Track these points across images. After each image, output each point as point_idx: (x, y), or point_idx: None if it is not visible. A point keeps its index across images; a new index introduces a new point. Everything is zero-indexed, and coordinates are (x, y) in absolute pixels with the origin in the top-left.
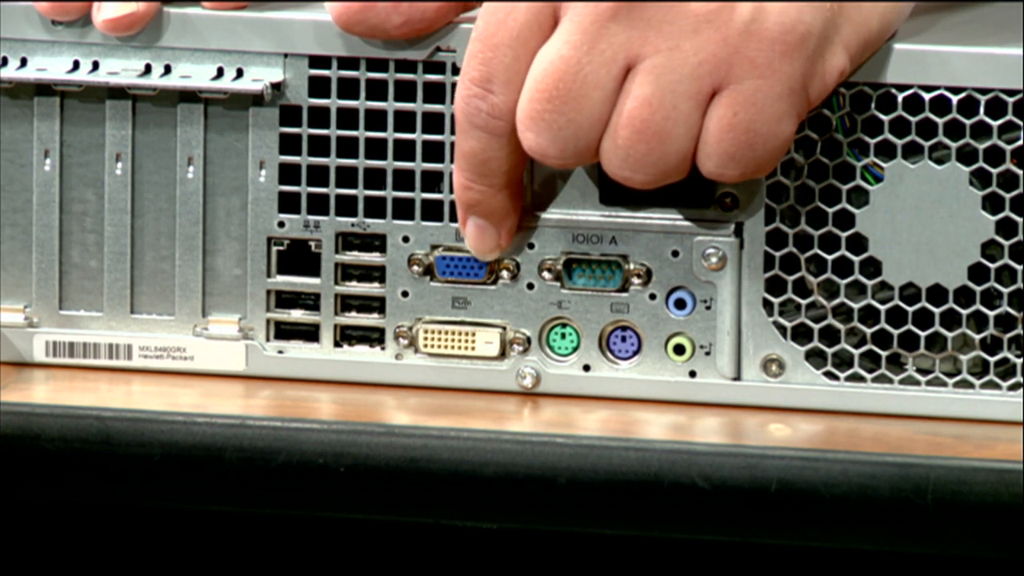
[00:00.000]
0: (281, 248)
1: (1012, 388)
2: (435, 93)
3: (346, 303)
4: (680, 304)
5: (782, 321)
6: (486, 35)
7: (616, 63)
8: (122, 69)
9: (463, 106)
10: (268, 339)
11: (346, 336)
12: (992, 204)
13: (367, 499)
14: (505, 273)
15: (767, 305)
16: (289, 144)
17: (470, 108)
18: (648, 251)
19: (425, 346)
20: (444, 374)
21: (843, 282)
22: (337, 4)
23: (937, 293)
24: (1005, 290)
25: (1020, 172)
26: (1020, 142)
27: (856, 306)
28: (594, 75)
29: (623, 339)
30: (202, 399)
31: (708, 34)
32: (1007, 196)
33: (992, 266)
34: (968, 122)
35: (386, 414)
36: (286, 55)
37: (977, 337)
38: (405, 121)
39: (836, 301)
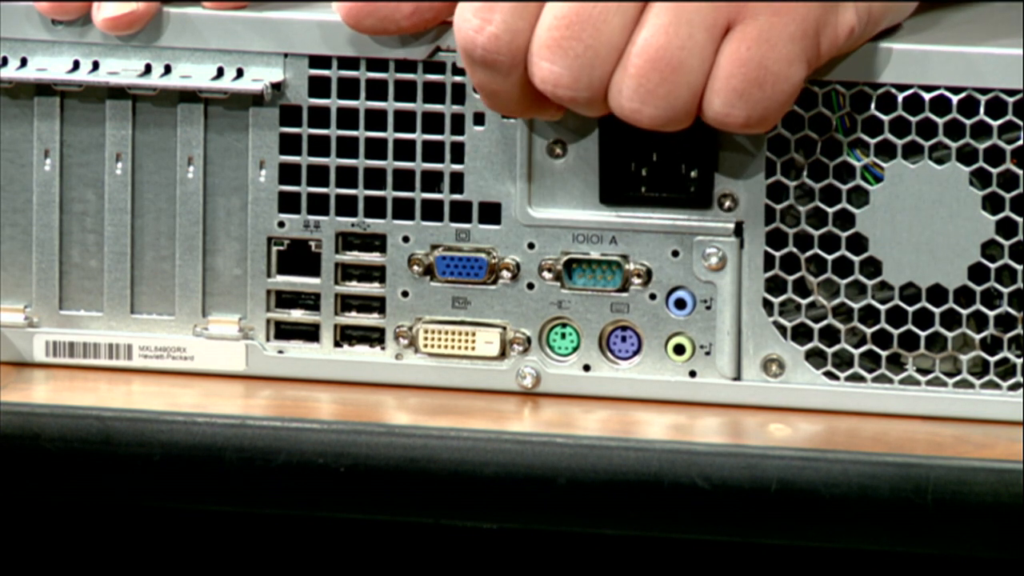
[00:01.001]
0: (281, 248)
1: (1012, 388)
2: (435, 93)
3: (346, 303)
4: (680, 304)
5: (782, 321)
6: None
7: None
8: (122, 69)
9: (460, 38)
10: (268, 339)
11: (346, 336)
12: (992, 204)
13: (367, 499)
14: (505, 273)
15: (767, 305)
16: (289, 144)
17: (466, 41)
18: (648, 251)
19: (425, 346)
20: (444, 374)
21: (843, 282)
22: (345, 2)
23: (937, 293)
24: (1005, 290)
25: (1020, 172)
26: (1020, 142)
27: (856, 306)
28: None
29: (623, 339)
30: (202, 399)
31: None
32: (1007, 196)
33: (992, 266)
34: (968, 122)
35: (386, 414)
36: (286, 55)
37: (977, 337)
38: (405, 121)
39: (836, 301)
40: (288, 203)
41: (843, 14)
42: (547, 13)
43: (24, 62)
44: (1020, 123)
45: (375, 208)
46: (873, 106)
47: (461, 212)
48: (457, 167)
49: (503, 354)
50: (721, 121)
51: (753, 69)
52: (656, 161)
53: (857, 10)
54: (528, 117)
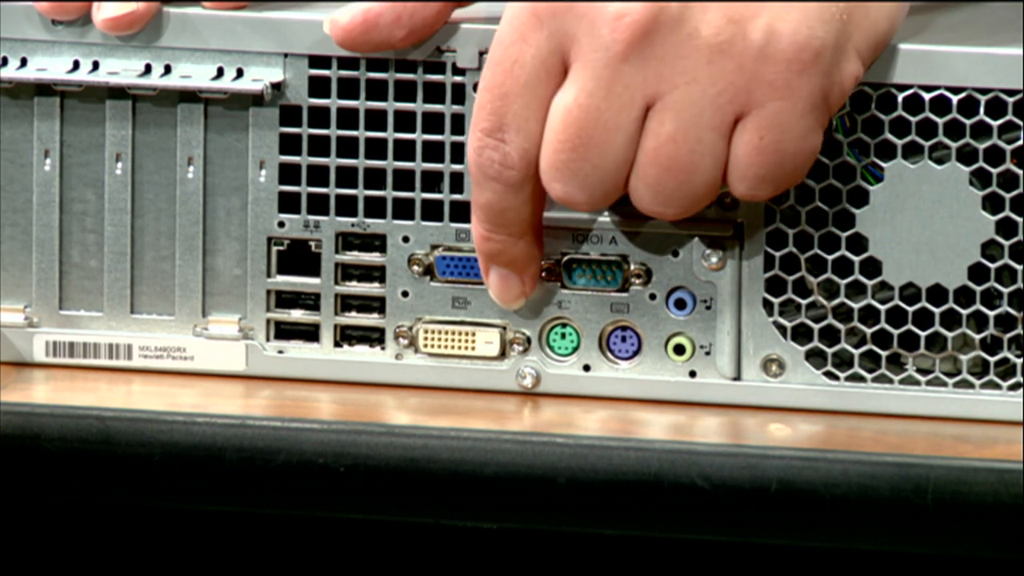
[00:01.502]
0: (281, 248)
1: (1012, 388)
2: (435, 93)
3: (346, 303)
4: (680, 304)
5: (782, 321)
6: (493, 85)
7: (635, 104)
8: (122, 69)
9: (476, 158)
10: (268, 339)
11: (346, 336)
12: (992, 204)
13: (367, 499)
14: None
15: (767, 305)
16: (289, 144)
17: (483, 160)
18: (648, 251)
19: (425, 346)
20: (444, 374)
21: (843, 282)
22: (338, 26)
23: (937, 293)
24: (1005, 290)
25: (1020, 172)
26: (1020, 142)
27: (856, 306)
28: (614, 120)
29: (623, 339)
30: (202, 399)
31: (723, 63)
32: (1007, 196)
33: (992, 266)
34: (968, 122)
35: (386, 414)
36: (286, 55)
37: (977, 337)
38: (405, 121)
39: (836, 301)
40: (288, 203)
41: (846, 68)
42: (549, 134)
43: (24, 62)
44: (1020, 123)
45: (375, 208)
46: (873, 106)
47: (461, 212)
48: (457, 167)
49: (503, 354)
50: (750, 198)
51: (771, 155)
52: None
53: (860, 54)
54: (527, 243)
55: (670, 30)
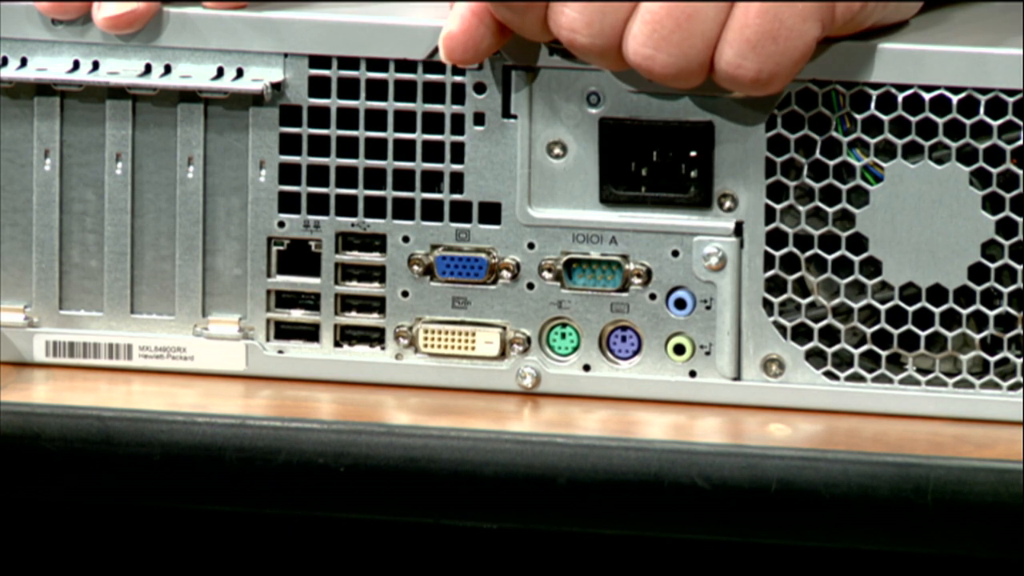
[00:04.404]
0: (281, 248)
1: (1012, 388)
2: (435, 93)
3: (346, 303)
4: (680, 304)
5: (782, 321)
6: None
7: None
8: (122, 69)
9: None
10: (268, 339)
11: (346, 336)
12: (992, 204)
13: (367, 499)
14: (505, 273)
15: (767, 305)
16: (289, 144)
17: None
18: (648, 251)
19: (425, 346)
20: (444, 374)
21: (843, 282)
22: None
23: (937, 293)
24: (1005, 290)
25: (1020, 172)
26: (1020, 142)
27: (856, 306)
28: None
29: (623, 339)
30: (202, 399)
31: None
32: (1007, 196)
33: (992, 266)
34: (968, 122)
35: (386, 414)
36: (286, 55)
37: (977, 337)
38: (405, 121)
39: (836, 301)
40: (288, 203)
41: None
42: None
43: (24, 62)
44: (1020, 123)
45: (375, 208)
46: (873, 106)
47: (461, 212)
48: (457, 167)
49: (503, 354)
50: (732, 74)
51: (768, 21)
52: (656, 161)
53: None
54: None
55: None
